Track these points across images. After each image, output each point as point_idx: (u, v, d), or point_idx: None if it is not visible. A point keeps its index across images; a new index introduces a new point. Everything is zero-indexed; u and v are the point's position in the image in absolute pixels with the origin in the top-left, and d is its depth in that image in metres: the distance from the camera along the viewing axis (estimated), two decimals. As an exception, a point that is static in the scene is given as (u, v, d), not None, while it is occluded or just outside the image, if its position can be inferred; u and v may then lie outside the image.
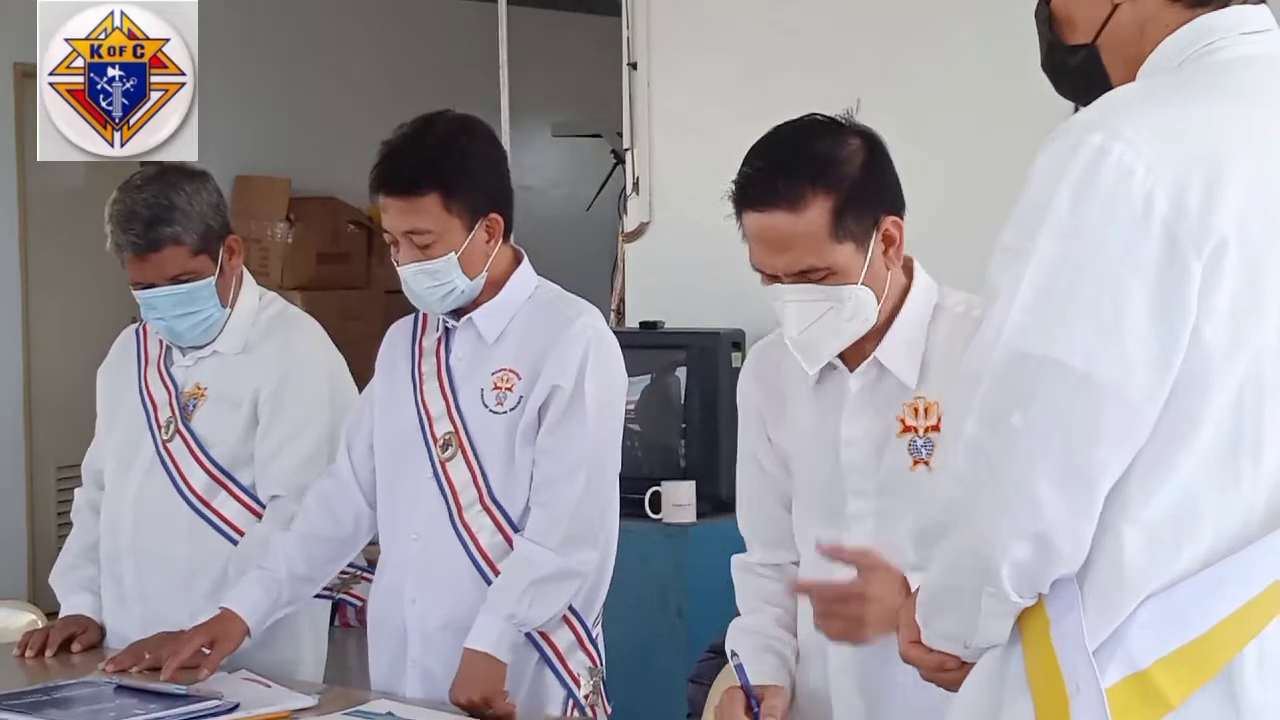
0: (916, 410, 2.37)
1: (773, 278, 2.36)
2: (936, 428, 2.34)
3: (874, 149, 2.39)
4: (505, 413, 2.89)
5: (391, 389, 3.02)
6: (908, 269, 2.44)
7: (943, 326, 2.40)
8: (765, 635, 2.53)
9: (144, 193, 3.13)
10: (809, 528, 2.50)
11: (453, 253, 2.85)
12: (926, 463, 2.35)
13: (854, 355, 2.43)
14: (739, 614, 2.59)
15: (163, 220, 3.10)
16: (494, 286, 2.93)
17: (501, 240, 2.92)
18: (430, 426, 2.93)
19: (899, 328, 2.40)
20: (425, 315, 3.02)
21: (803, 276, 2.33)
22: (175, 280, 3.13)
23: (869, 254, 2.34)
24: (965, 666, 1.77)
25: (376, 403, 3.06)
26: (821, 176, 2.32)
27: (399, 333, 3.08)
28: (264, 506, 3.20)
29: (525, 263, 2.99)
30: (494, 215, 2.89)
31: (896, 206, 2.40)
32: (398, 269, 2.89)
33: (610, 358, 2.92)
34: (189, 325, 3.18)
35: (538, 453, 2.87)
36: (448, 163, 2.84)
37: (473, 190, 2.86)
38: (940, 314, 2.42)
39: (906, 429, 2.38)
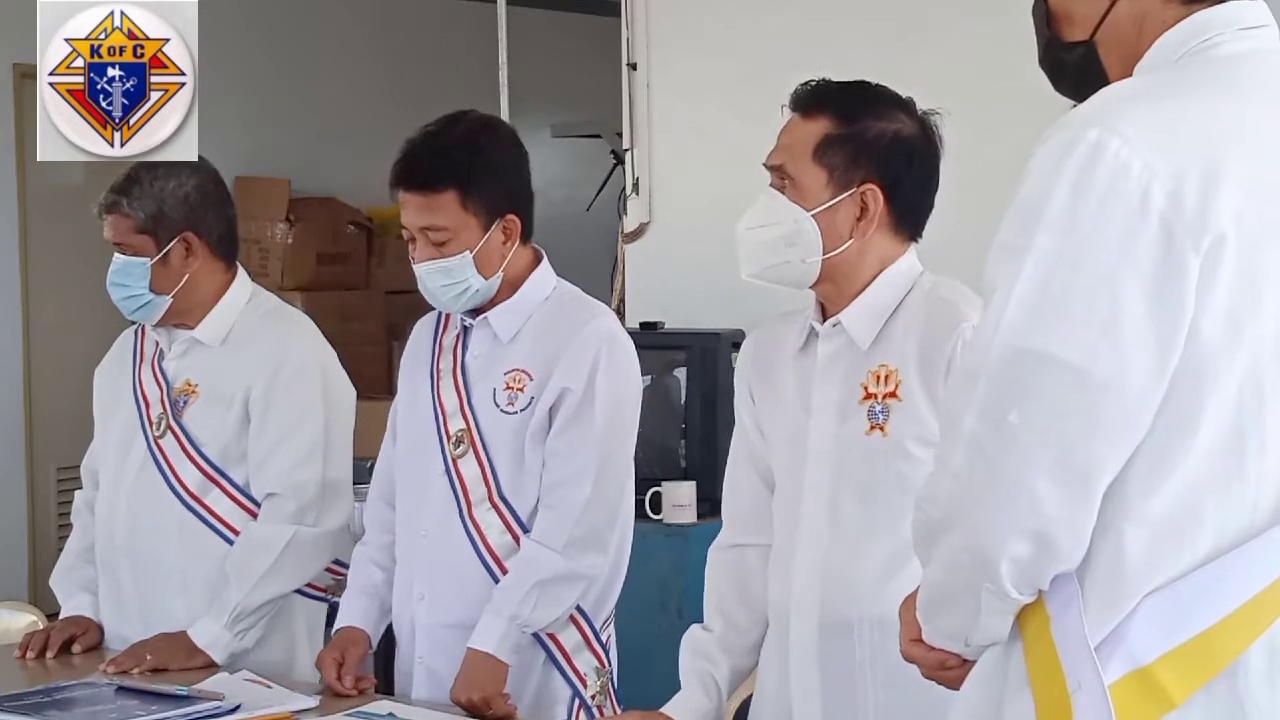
0: (878, 377, 2.44)
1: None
2: (894, 394, 2.42)
3: (915, 141, 2.47)
4: (516, 413, 2.89)
5: (413, 385, 3.04)
6: (902, 254, 2.50)
7: (911, 302, 2.47)
8: (703, 656, 2.61)
9: (130, 166, 3.23)
10: (777, 503, 2.56)
11: (468, 251, 2.85)
12: (881, 428, 2.42)
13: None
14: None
15: (121, 190, 3.22)
16: (511, 286, 2.94)
17: (520, 241, 2.92)
18: (444, 423, 2.94)
19: (866, 295, 2.47)
20: (447, 313, 3.02)
21: (777, 176, 2.46)
22: (119, 248, 3.22)
23: (837, 199, 2.43)
24: (967, 664, 1.76)
25: (400, 398, 3.07)
26: (841, 109, 2.45)
27: (423, 329, 3.09)
28: (257, 504, 3.20)
29: (545, 264, 2.98)
30: (511, 216, 2.90)
31: (898, 193, 2.44)
32: (414, 266, 2.89)
33: (623, 361, 2.92)
34: (119, 296, 3.25)
35: (547, 454, 2.88)
36: (466, 160, 2.85)
37: (490, 189, 2.87)
38: (914, 291, 2.48)
39: (868, 395, 2.44)
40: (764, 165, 2.49)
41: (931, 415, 2.38)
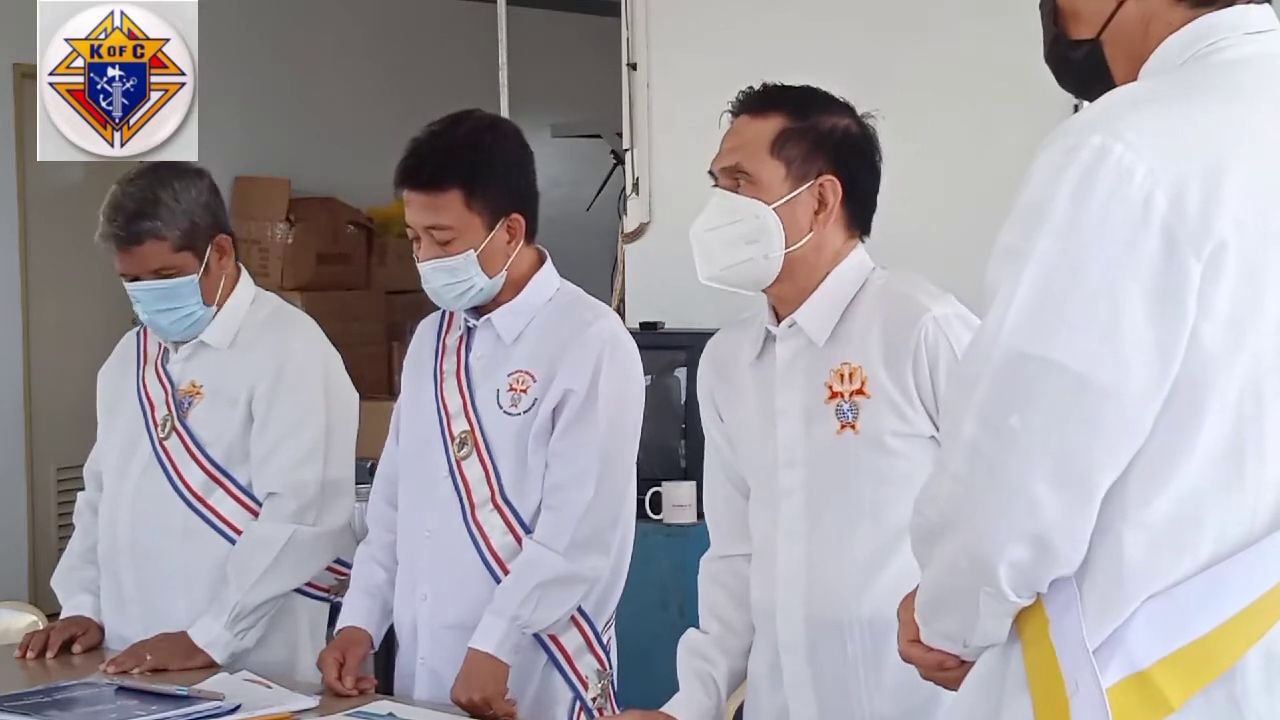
0: (842, 376, 2.45)
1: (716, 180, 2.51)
2: (861, 391, 2.43)
3: (861, 139, 2.51)
4: (519, 414, 2.89)
5: (416, 386, 3.04)
6: (851, 250, 2.53)
7: (867, 296, 2.48)
8: (701, 657, 2.62)
9: (133, 186, 3.15)
10: (753, 508, 2.58)
11: (472, 250, 2.85)
12: (853, 426, 2.43)
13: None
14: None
15: (145, 214, 3.12)
16: (515, 287, 2.94)
17: (524, 241, 2.92)
18: (448, 424, 2.94)
19: (819, 292, 2.48)
20: (451, 313, 3.02)
21: (729, 178, 2.47)
22: (158, 274, 3.14)
23: (796, 191, 2.44)
24: (965, 665, 1.76)
25: (403, 398, 3.07)
26: (790, 106, 2.47)
27: (426, 330, 3.09)
28: (261, 505, 3.20)
29: (548, 265, 2.98)
30: (516, 215, 2.90)
31: (854, 186, 2.48)
32: (418, 265, 2.89)
33: (626, 363, 2.92)
34: (170, 321, 3.18)
35: (550, 455, 2.87)
36: (471, 160, 2.86)
37: (495, 189, 2.87)
38: (868, 286, 2.50)
39: (833, 395, 2.45)
40: (711, 171, 2.50)
41: (907, 406, 2.40)
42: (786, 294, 2.49)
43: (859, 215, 2.51)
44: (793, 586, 2.48)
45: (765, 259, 2.44)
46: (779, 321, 2.51)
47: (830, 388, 2.45)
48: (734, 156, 2.47)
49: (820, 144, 2.45)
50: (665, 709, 2.59)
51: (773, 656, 2.52)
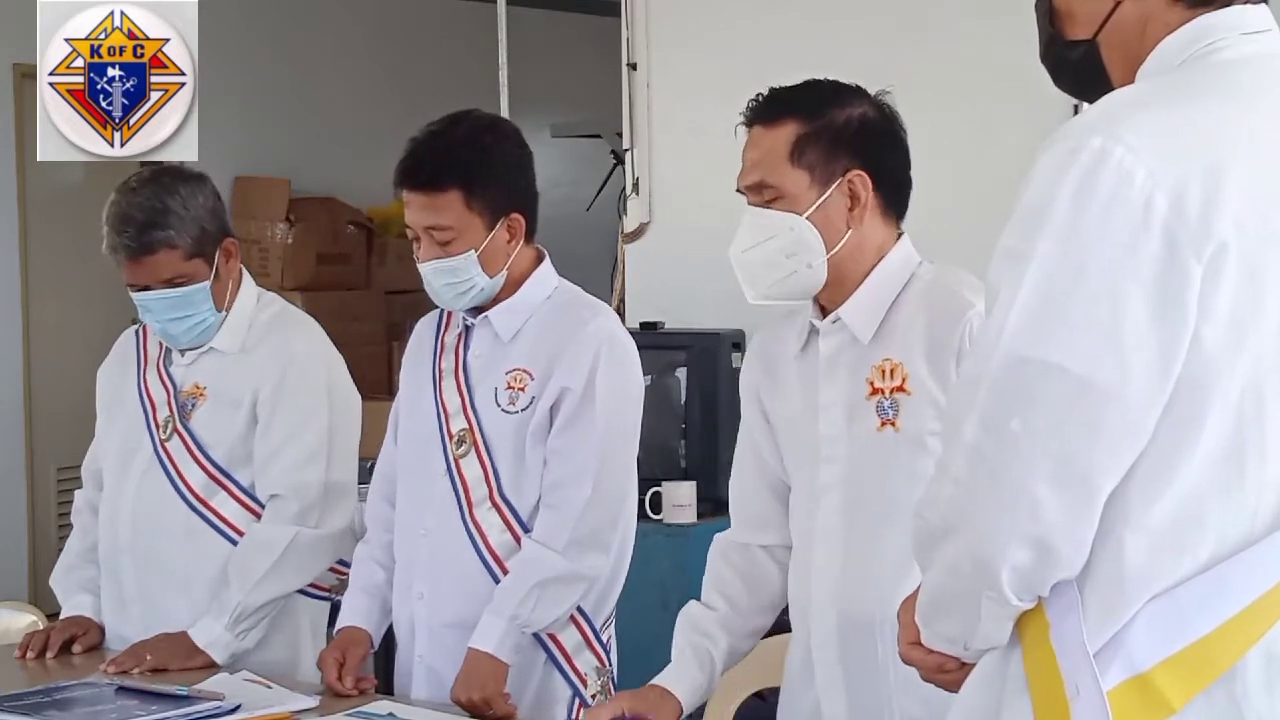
0: (884, 372, 2.43)
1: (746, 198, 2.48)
2: (902, 388, 2.41)
3: (880, 121, 2.48)
4: (517, 412, 2.89)
5: (414, 384, 3.04)
6: (896, 241, 2.50)
7: (912, 293, 2.46)
8: (701, 632, 2.62)
9: (139, 195, 3.13)
10: (794, 503, 2.56)
11: (473, 250, 2.85)
12: (893, 423, 2.41)
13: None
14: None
15: (156, 224, 3.10)
16: (513, 285, 2.94)
17: (524, 241, 2.92)
18: (446, 423, 2.94)
19: (865, 288, 2.46)
20: (449, 312, 3.02)
21: (757, 194, 2.44)
22: (169, 283, 3.13)
23: (825, 195, 2.42)
24: (965, 667, 1.76)
25: (401, 396, 3.07)
26: (802, 107, 2.44)
27: (424, 328, 3.09)
28: (263, 506, 3.20)
29: (546, 263, 2.98)
30: (515, 215, 2.90)
31: (882, 173, 2.45)
32: (418, 265, 2.89)
33: (623, 361, 2.92)
34: (184, 329, 3.18)
35: (548, 454, 2.87)
36: (471, 160, 2.85)
37: (495, 189, 2.86)
38: (913, 282, 2.47)
39: (875, 391, 2.43)
40: (738, 190, 2.47)
41: None
42: (836, 297, 2.47)
43: (895, 200, 2.48)
44: (826, 584, 2.46)
45: (809, 268, 2.42)
46: (823, 315, 2.49)
47: (872, 384, 2.43)
48: (756, 173, 2.44)
49: (839, 140, 2.42)
50: (657, 681, 2.58)
51: (806, 653, 2.51)
